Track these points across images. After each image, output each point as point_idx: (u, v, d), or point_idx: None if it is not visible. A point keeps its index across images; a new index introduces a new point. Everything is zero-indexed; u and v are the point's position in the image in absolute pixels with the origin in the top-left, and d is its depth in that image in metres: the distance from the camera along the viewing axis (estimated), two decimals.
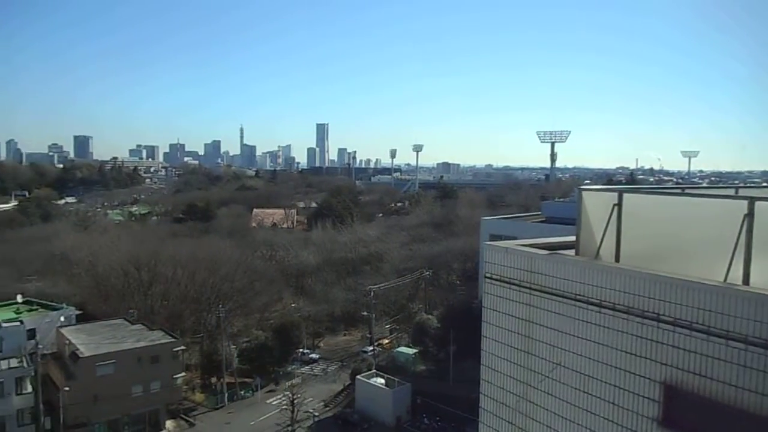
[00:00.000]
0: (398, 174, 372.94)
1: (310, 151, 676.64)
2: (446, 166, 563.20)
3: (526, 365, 13.80)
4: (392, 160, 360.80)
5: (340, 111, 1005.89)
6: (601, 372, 11.94)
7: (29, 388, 53.16)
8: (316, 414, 62.91)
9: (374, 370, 67.27)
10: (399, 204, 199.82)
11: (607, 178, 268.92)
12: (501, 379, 14.56)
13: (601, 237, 12.86)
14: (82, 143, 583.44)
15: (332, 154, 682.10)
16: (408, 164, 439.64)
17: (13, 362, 54.01)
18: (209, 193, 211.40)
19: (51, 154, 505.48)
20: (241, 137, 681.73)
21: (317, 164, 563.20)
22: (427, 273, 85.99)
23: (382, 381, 63.94)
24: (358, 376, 65.75)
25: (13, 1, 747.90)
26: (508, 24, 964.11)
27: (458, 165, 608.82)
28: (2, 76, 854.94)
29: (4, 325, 57.15)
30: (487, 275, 15.05)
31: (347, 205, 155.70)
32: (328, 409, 65.88)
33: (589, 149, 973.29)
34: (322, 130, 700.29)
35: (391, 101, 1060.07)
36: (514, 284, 14.14)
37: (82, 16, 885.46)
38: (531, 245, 14.82)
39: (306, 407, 62.18)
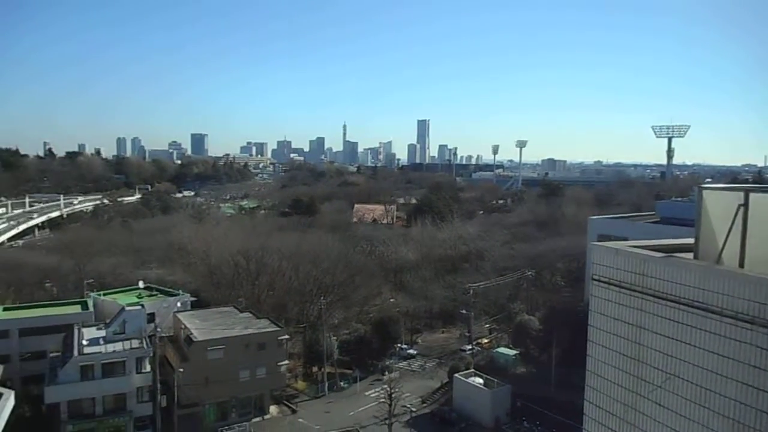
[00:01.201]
0: (500, 170, 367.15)
1: (411, 148, 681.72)
2: (552, 162, 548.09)
3: (636, 373, 13.10)
4: (494, 156, 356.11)
5: (441, 107, 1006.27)
6: (721, 385, 11.11)
7: (148, 368, 57.09)
8: (414, 409, 63.20)
9: (473, 370, 66.62)
10: (501, 201, 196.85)
11: (731, 176, 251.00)
12: (608, 387, 13.94)
13: (723, 240, 11.96)
14: (198, 141, 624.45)
15: (433, 151, 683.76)
16: (511, 160, 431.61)
17: (135, 343, 58.21)
18: (313, 188, 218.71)
19: (171, 151, 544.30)
20: (344, 134, 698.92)
21: (417, 160, 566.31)
22: (530, 273, 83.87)
23: (481, 381, 63.16)
24: (457, 375, 65.32)
25: (141, 10, 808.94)
26: (625, 19, 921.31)
27: (565, 161, 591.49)
28: (130, 79, 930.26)
29: (128, 308, 61.81)
30: (595, 277, 14.46)
31: (447, 201, 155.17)
32: (425, 405, 66.01)
33: (712, 146, 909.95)
34: (422, 127, 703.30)
35: (495, 97, 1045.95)
36: (624, 287, 13.47)
37: (201, 32, 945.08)
38: (644, 247, 14.06)
39: (403, 402, 62.59)
